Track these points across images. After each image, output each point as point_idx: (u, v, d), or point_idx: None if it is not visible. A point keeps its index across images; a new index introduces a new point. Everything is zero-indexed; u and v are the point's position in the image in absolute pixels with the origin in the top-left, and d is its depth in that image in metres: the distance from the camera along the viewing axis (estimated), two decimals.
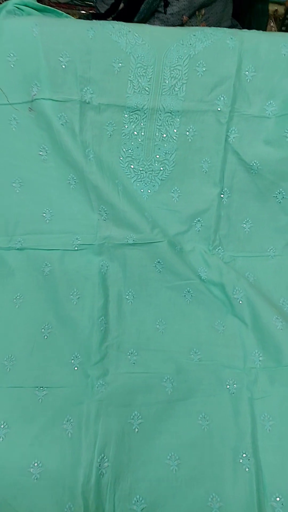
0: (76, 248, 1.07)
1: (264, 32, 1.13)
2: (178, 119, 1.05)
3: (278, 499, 0.81)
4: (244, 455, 0.85)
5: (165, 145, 1.07)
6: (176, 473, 0.82)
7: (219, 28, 1.03)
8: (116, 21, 1.02)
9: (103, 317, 1.00)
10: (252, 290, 1.03)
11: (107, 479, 0.81)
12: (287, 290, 1.07)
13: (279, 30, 1.58)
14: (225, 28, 1.03)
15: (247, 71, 1.01)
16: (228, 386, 0.93)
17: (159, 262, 1.07)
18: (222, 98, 1.03)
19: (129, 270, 1.06)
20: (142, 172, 1.08)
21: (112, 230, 1.08)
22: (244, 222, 1.11)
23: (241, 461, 0.85)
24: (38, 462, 0.84)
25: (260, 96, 1.03)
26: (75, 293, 1.03)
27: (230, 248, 1.11)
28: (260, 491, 0.82)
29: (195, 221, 1.10)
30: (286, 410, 0.89)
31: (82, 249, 1.07)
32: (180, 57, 1.01)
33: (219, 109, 1.04)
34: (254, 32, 1.03)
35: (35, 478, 0.82)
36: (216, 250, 1.11)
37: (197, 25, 1.34)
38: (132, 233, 1.07)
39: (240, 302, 1.03)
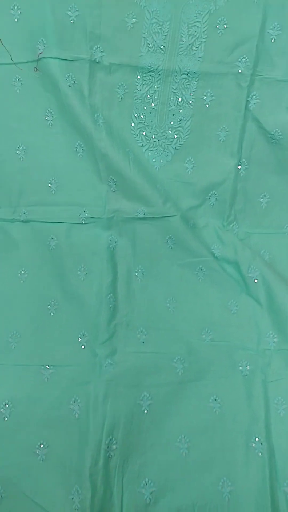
0: (83, 222, 1.01)
1: None
2: (195, 82, 0.97)
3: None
4: (257, 439, 0.84)
5: (180, 110, 0.99)
6: (186, 456, 0.81)
7: None
8: None
9: (111, 295, 0.97)
10: (268, 269, 0.99)
11: (115, 462, 0.80)
12: None
13: None
14: None
15: (271, 29, 0.93)
16: (240, 368, 0.91)
17: (170, 238, 1.02)
18: (243, 60, 0.95)
19: (139, 246, 1.01)
20: (154, 140, 1.00)
21: (121, 203, 1.02)
22: (261, 196, 1.05)
23: (253, 445, 0.83)
24: (44, 443, 0.82)
25: (285, 58, 0.94)
26: (83, 268, 0.99)
27: (245, 223, 1.05)
28: (272, 476, 0.81)
29: (209, 195, 1.04)
30: None
31: (89, 222, 1.01)
32: (199, 12, 0.92)
33: (240, 71, 0.96)
34: None
35: (41, 459, 0.81)
36: (231, 226, 1.05)
37: None
38: (143, 206, 1.01)
39: (256, 281, 0.99)
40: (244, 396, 0.88)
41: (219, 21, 0.92)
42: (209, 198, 1.04)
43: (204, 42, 0.94)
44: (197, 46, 0.94)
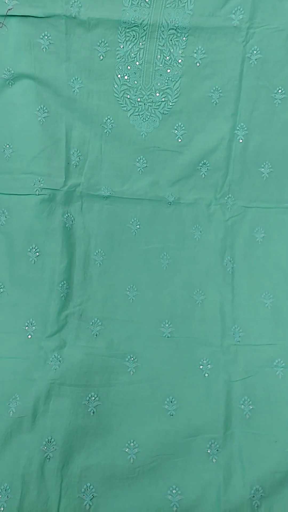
0: (37, 193, 0.90)
1: None
2: (184, 38, 0.87)
3: (255, 490, 0.74)
4: (213, 445, 0.77)
5: (168, 70, 0.89)
6: (133, 462, 0.75)
7: None
8: None
9: (64, 282, 0.88)
10: (248, 259, 0.91)
11: (53, 464, 0.74)
12: None
13: None
14: None
15: None
16: (201, 367, 0.84)
17: (137, 220, 0.92)
18: (238, 11, 0.85)
19: (100, 227, 0.91)
20: (140, 104, 0.90)
21: (85, 176, 0.92)
22: (262, 165, 0.92)
23: (208, 451, 0.77)
24: None
25: None
26: (34, 249, 0.89)
27: (242, 196, 0.93)
28: (228, 485, 0.74)
29: (200, 164, 0.92)
30: (271, 393, 0.82)
31: (45, 194, 0.90)
32: None
33: (235, 24, 0.85)
34: None
35: None
36: (225, 198, 0.93)
37: None
38: (110, 183, 0.92)
39: (230, 271, 0.90)
40: (203, 398, 0.81)
41: None
42: (200, 168, 0.93)
43: None
44: None
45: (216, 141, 0.91)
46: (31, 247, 0.89)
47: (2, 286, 0.87)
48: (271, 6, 0.84)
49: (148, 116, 0.91)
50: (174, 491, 0.73)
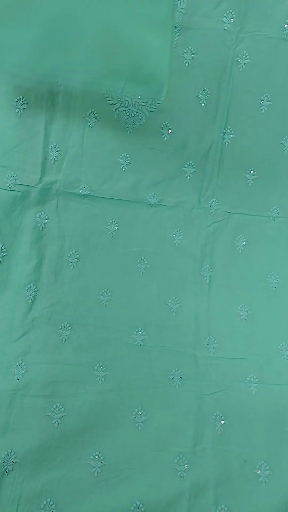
0: (10, 188, 0.86)
1: None
2: (175, 37, 0.86)
3: (220, 510, 0.71)
4: (181, 460, 0.74)
5: None
6: (98, 476, 0.71)
7: None
8: None
9: (32, 284, 0.83)
10: (227, 268, 0.89)
11: (12, 478, 0.70)
12: (282, 261, 0.91)
13: None
14: None
15: None
16: (172, 378, 0.80)
17: (115, 222, 0.89)
18: (230, 14, 0.84)
19: (76, 228, 0.87)
20: (127, 98, 0.87)
21: (63, 173, 0.88)
22: (247, 171, 0.90)
23: (176, 467, 0.73)
24: None
25: (280, 11, 0.85)
26: (1, 249, 0.84)
27: (226, 201, 0.91)
28: (195, 503, 0.71)
29: (186, 165, 0.90)
30: (244, 409, 0.79)
31: (17, 191, 0.86)
32: None
33: (225, 28, 0.84)
34: None
35: None
36: (209, 202, 0.91)
37: None
38: (90, 181, 0.88)
39: (207, 280, 0.88)
40: (172, 410, 0.78)
41: None
42: (185, 169, 0.90)
43: None
44: None
45: (202, 142, 0.89)
46: None
47: None
48: (262, 13, 0.84)
49: (135, 112, 0.88)
50: (137, 507, 0.70)
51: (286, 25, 0.86)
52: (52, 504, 0.69)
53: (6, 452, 0.71)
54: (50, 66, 0.68)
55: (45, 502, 0.69)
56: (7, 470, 0.70)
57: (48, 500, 0.69)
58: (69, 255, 0.86)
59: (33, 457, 0.71)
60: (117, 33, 0.64)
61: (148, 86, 0.67)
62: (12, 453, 0.71)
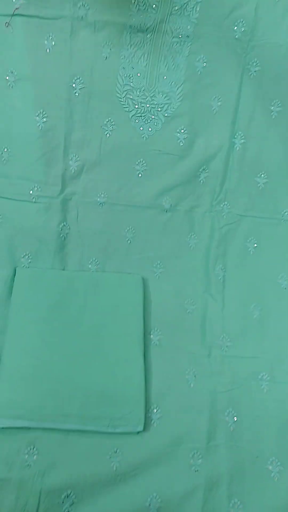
0: (34, 200, 0.90)
1: None
2: (187, 46, 0.88)
3: (233, 504, 0.74)
4: (195, 455, 0.77)
5: (172, 74, 0.90)
6: (116, 470, 0.74)
7: None
8: None
9: None
10: (239, 269, 0.92)
11: (34, 471, 0.72)
12: None
13: None
14: None
15: None
16: (187, 376, 0.83)
17: (132, 228, 0.92)
18: (241, 23, 0.87)
19: (95, 237, 0.92)
20: (143, 105, 0.90)
21: (82, 182, 0.91)
22: (258, 175, 0.93)
23: (191, 461, 0.76)
24: None
25: None
26: (27, 256, 0.89)
27: (237, 204, 0.94)
28: (209, 495, 0.74)
29: (200, 170, 0.93)
30: (255, 407, 0.81)
31: (40, 202, 0.90)
32: None
33: (236, 36, 0.87)
34: None
35: None
36: (221, 206, 0.94)
37: None
38: (107, 188, 0.91)
39: (221, 280, 0.91)
40: (187, 408, 0.80)
41: None
42: (199, 174, 0.93)
43: (199, 2, 0.86)
44: (192, 6, 0.86)
45: (215, 147, 0.92)
46: (25, 253, 0.88)
47: None
48: (272, 22, 0.86)
49: (151, 118, 0.91)
50: (153, 499, 0.72)
51: None
52: (73, 495, 0.71)
53: (29, 448, 0.74)
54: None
55: (65, 493, 0.71)
56: (28, 464, 0.73)
57: (69, 492, 0.72)
58: (89, 262, 0.90)
59: (53, 452, 0.74)
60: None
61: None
62: (34, 448, 0.74)
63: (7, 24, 0.85)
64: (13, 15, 0.85)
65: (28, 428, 0.74)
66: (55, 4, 0.84)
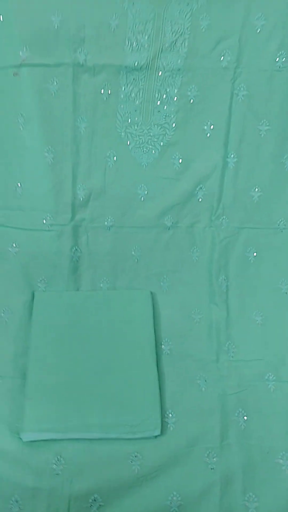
0: (47, 229, 1.00)
1: None
2: (179, 79, 0.96)
3: (249, 497, 0.78)
4: (210, 454, 0.81)
5: (165, 107, 0.98)
6: (138, 472, 0.78)
7: None
8: None
9: None
10: (241, 278, 0.99)
11: (62, 479, 0.77)
12: None
13: None
14: None
15: (256, 19, 0.91)
16: (198, 381, 0.89)
17: (138, 248, 1.01)
18: (227, 53, 0.94)
19: (105, 258, 1.01)
20: (140, 137, 0.99)
21: (90, 209, 1.01)
22: (252, 190, 1.00)
23: (207, 460, 0.80)
24: None
25: (270, 46, 0.92)
26: (43, 280, 0.98)
27: (235, 218, 1.01)
28: (226, 490, 0.78)
29: (197, 189, 1.01)
30: (263, 406, 0.86)
31: (53, 230, 1.00)
32: (181, 10, 0.92)
33: (223, 65, 0.95)
34: None
35: None
36: (220, 220, 1.02)
37: None
38: (113, 213, 1.01)
39: (224, 290, 0.97)
40: (199, 411, 0.85)
41: (202, 17, 0.92)
42: (197, 193, 1.01)
43: (187, 38, 0.93)
44: (180, 43, 0.94)
45: (210, 168, 0.99)
46: (41, 278, 0.98)
47: (9, 312, 0.94)
48: (255, 50, 0.93)
49: (148, 148, 1.00)
50: (174, 498, 0.76)
51: (277, 59, 0.94)
52: (99, 499, 0.76)
53: (56, 458, 0.78)
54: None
55: (92, 498, 0.76)
56: (57, 472, 0.77)
57: (95, 495, 0.76)
58: (101, 282, 0.99)
59: (79, 460, 0.79)
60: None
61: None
62: (61, 458, 0.79)
63: (15, 74, 0.95)
64: (20, 65, 0.94)
65: (55, 440, 0.79)
66: (56, 53, 0.93)
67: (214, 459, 0.80)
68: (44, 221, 1.00)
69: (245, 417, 0.85)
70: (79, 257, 1.00)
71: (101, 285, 0.99)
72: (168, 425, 0.83)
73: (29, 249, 0.99)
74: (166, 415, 0.84)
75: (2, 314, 0.93)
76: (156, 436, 0.82)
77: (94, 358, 0.88)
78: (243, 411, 0.86)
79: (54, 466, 0.78)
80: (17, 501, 0.75)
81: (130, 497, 0.76)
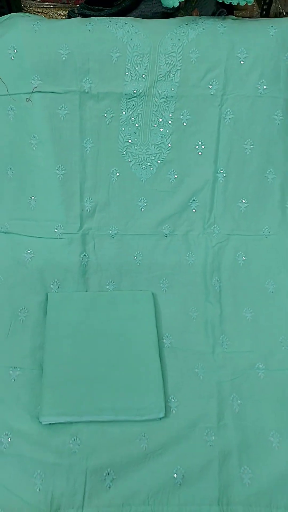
0: (58, 237, 1.11)
1: (251, 19, 1.17)
2: (173, 104, 1.08)
3: (244, 469, 0.86)
4: (209, 433, 0.89)
5: (161, 129, 1.10)
6: (145, 449, 0.85)
7: (210, 16, 1.08)
8: (112, 16, 1.08)
9: None
10: (232, 279, 1.09)
11: (79, 456, 0.84)
12: (276, 270, 1.11)
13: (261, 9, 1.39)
14: (215, 17, 1.08)
15: (239, 53, 1.04)
16: (196, 370, 0.96)
17: (140, 253, 1.12)
18: (214, 82, 1.07)
19: (110, 262, 1.11)
20: (140, 156, 1.11)
21: (96, 219, 1.13)
22: (239, 201, 1.13)
23: (206, 438, 0.88)
24: (8, 433, 0.87)
25: (252, 76, 1.04)
26: (56, 283, 1.08)
27: (225, 226, 1.14)
28: (224, 465, 0.86)
29: (191, 201, 1.13)
30: (255, 391, 0.94)
31: (63, 238, 1.11)
32: (174, 45, 1.04)
33: (212, 93, 1.07)
34: (242, 20, 1.08)
35: (4, 447, 0.85)
36: (211, 228, 1.14)
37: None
38: (117, 223, 1.13)
39: (218, 290, 1.07)
40: (199, 396, 0.93)
41: (192, 51, 1.05)
42: (191, 204, 1.13)
43: (179, 69, 1.06)
44: (173, 73, 1.06)
45: (202, 182, 1.12)
46: (54, 281, 1.08)
47: (26, 312, 1.02)
48: (239, 79, 1.05)
49: (147, 165, 1.12)
50: (178, 471, 0.84)
51: (259, 86, 1.06)
52: (112, 473, 0.83)
53: (73, 439, 0.86)
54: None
55: (106, 471, 0.83)
56: (74, 451, 0.85)
57: (109, 470, 0.83)
58: (107, 284, 1.10)
59: (93, 440, 0.86)
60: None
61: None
62: (77, 438, 0.86)
63: (28, 100, 1.06)
64: (32, 92, 1.05)
65: (71, 423, 0.87)
66: (65, 82, 1.05)
67: (213, 437, 0.88)
68: (56, 230, 1.12)
69: (239, 401, 0.94)
70: (87, 262, 1.11)
71: (108, 286, 1.10)
72: (171, 409, 0.91)
73: (43, 255, 1.10)
74: (169, 400, 0.91)
75: (20, 313, 1.01)
76: (160, 418, 0.91)
77: (103, 351, 0.98)
78: (237, 396, 0.94)
79: (71, 445, 0.85)
80: (40, 475, 0.83)
81: (139, 471, 0.83)
